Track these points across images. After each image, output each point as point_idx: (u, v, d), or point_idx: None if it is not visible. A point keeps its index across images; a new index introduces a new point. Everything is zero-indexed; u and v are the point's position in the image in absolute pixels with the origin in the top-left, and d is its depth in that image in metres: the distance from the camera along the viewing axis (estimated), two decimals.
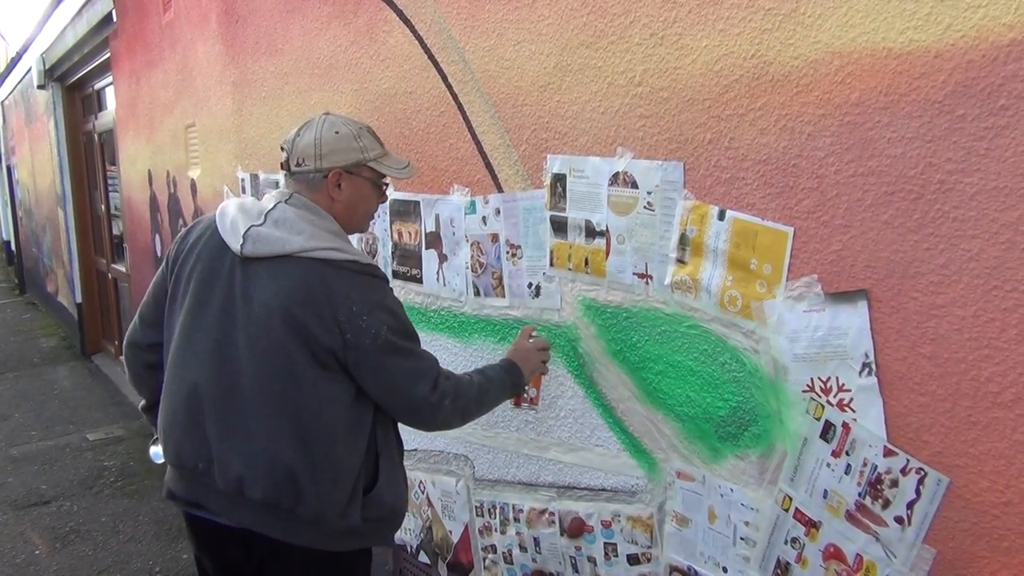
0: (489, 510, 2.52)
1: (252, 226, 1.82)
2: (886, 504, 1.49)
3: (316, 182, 1.90)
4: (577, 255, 2.06)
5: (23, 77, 10.75)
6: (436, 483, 2.74)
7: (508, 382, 2.08)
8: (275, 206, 1.87)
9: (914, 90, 1.36)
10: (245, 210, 1.87)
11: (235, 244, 1.82)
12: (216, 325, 1.84)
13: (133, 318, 2.10)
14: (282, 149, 1.96)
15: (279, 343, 1.78)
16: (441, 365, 1.96)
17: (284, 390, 1.79)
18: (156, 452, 2.21)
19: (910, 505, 1.45)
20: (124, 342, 2.13)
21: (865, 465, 1.51)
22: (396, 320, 1.85)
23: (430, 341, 2.66)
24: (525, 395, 2.23)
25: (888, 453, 1.48)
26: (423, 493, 2.81)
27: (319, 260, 1.81)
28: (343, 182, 1.90)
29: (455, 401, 1.92)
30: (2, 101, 14.81)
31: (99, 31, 6.48)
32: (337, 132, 1.90)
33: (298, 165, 1.90)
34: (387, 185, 2.03)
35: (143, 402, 2.18)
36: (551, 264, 2.14)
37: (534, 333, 2.21)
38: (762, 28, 1.58)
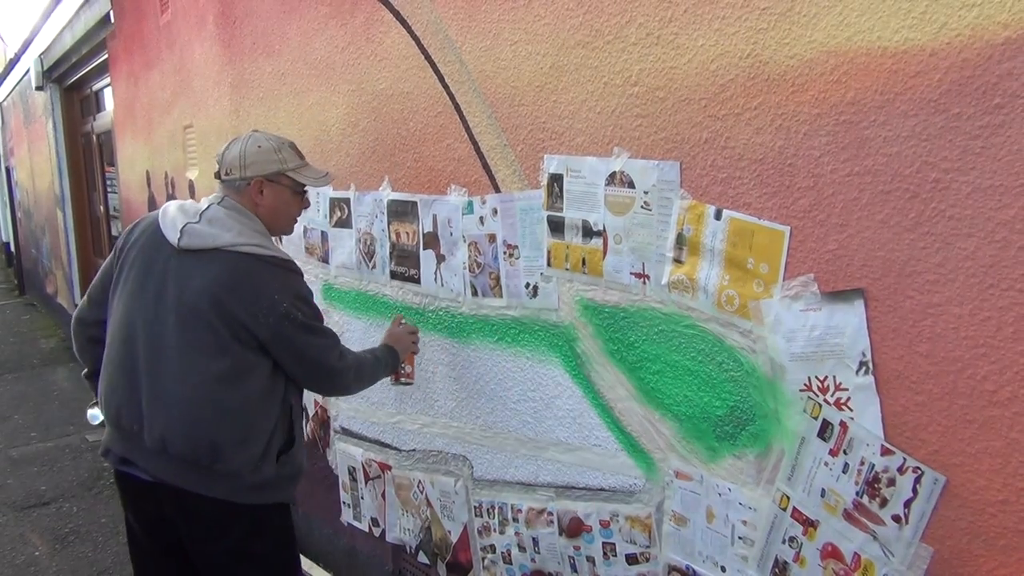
0: (488, 510, 2.52)
1: (188, 223, 2.15)
2: (883, 503, 1.49)
3: (241, 188, 2.23)
4: (574, 255, 2.06)
5: (21, 78, 10.74)
6: (435, 483, 2.74)
7: (389, 361, 2.48)
8: (208, 207, 2.20)
9: (909, 89, 1.36)
10: (184, 209, 2.21)
11: (173, 237, 2.15)
12: (151, 306, 2.15)
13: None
14: (216, 160, 2.28)
15: (206, 323, 2.09)
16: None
17: (208, 362, 2.09)
18: (94, 414, 2.70)
19: (907, 504, 1.45)
20: (72, 318, 2.46)
21: (863, 464, 1.52)
22: (309, 307, 2.22)
23: (428, 341, 2.66)
24: (402, 371, 2.58)
25: (885, 452, 1.48)
26: (422, 493, 2.81)
27: (245, 254, 2.14)
28: (265, 189, 2.24)
29: (357, 371, 2.32)
30: (1, 102, 14.80)
31: (97, 32, 6.48)
32: (259, 146, 2.24)
33: (227, 174, 2.24)
34: (306, 192, 2.36)
35: (85, 370, 2.53)
36: (548, 264, 2.14)
37: (403, 320, 2.63)
38: (757, 27, 1.58)
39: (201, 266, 2.12)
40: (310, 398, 3.49)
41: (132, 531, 2.38)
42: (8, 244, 17.37)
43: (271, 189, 2.25)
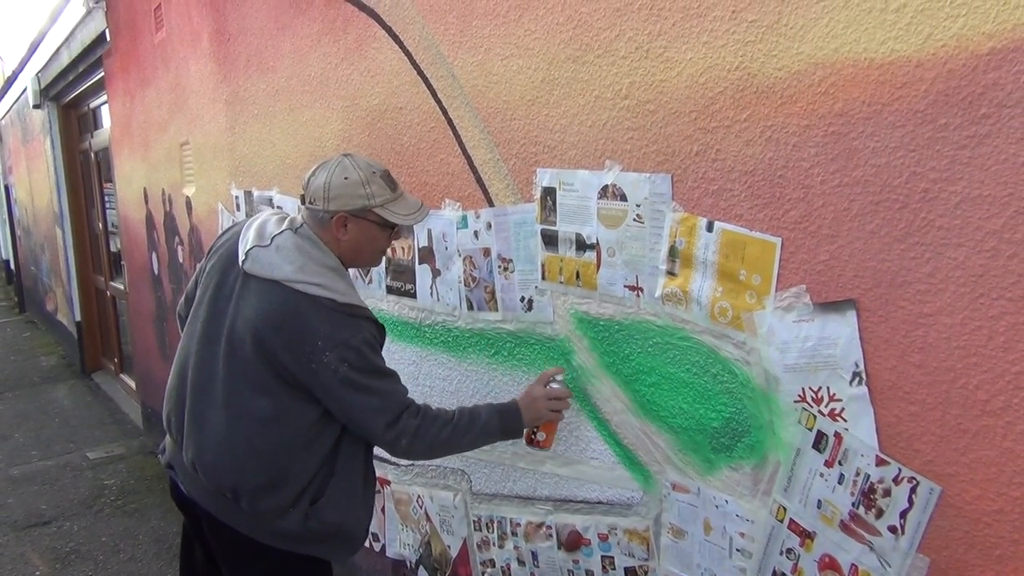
0: (487, 524, 2.52)
1: (256, 246, 2.01)
2: (879, 514, 1.49)
3: (324, 221, 2.04)
4: (568, 268, 2.06)
5: (19, 97, 10.77)
6: (434, 497, 2.73)
7: (498, 427, 2.10)
8: (282, 232, 2.04)
9: (896, 100, 1.37)
10: (262, 229, 2.06)
11: (240, 258, 2.03)
12: (211, 322, 2.06)
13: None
14: (302, 185, 2.11)
15: (249, 357, 1.97)
16: (421, 401, 2.09)
17: (249, 398, 1.97)
18: None
19: (903, 514, 1.45)
20: (176, 314, 2.38)
21: (858, 475, 1.51)
22: (360, 358, 1.96)
23: (424, 356, 2.66)
24: (534, 437, 2.18)
25: (880, 462, 1.48)
26: (421, 508, 2.80)
27: (301, 293, 1.95)
28: (349, 224, 2.04)
29: (415, 439, 2.01)
30: None
31: (93, 50, 6.50)
32: (347, 178, 2.02)
33: (311, 203, 2.05)
34: (395, 226, 2.11)
35: None
36: (543, 278, 2.15)
37: (558, 378, 2.14)
38: (745, 40, 1.58)
39: (257, 296, 1.99)
40: None
41: (185, 526, 2.34)
42: (8, 262, 17.39)
43: (356, 225, 2.05)
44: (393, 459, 2.79)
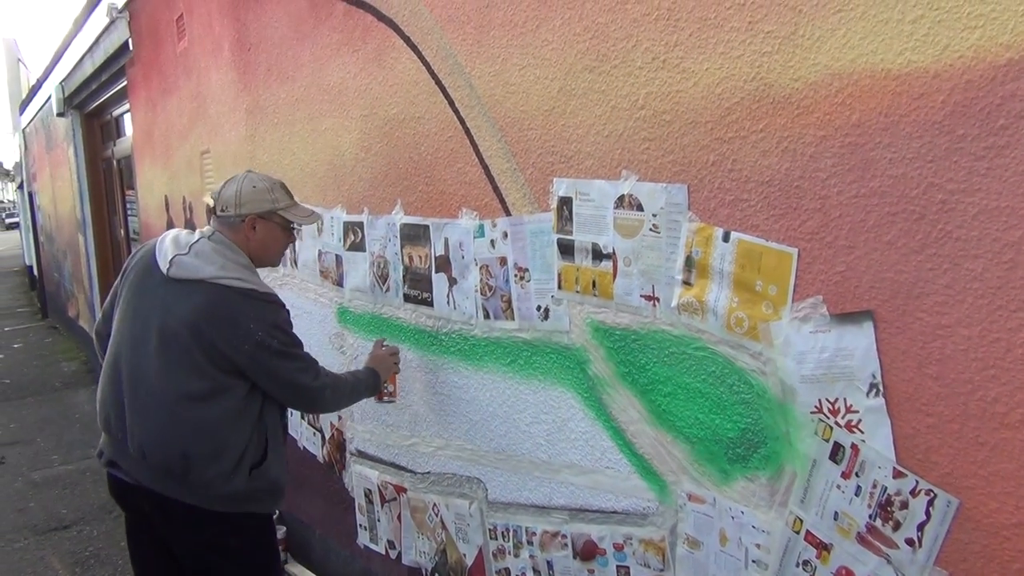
0: (503, 533, 2.52)
1: (178, 254, 2.35)
2: (897, 526, 1.48)
3: (235, 224, 2.44)
4: (584, 278, 2.06)
5: (43, 105, 10.91)
6: (449, 506, 2.74)
7: (371, 382, 2.68)
8: (198, 240, 2.40)
9: (914, 111, 1.36)
10: (177, 241, 2.41)
11: (163, 266, 2.35)
12: (139, 328, 2.37)
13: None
14: (211, 197, 2.46)
15: (186, 347, 2.28)
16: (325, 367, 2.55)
17: (184, 383, 2.29)
18: None
19: (920, 527, 1.44)
20: (93, 331, 2.71)
21: (875, 487, 1.50)
22: (284, 334, 2.39)
23: (441, 365, 2.67)
24: (385, 391, 2.83)
25: (897, 475, 1.47)
26: (436, 516, 2.81)
27: (225, 287, 2.32)
28: (258, 225, 2.45)
29: (333, 391, 2.50)
30: (23, 129, 15.03)
31: (116, 59, 6.58)
32: (254, 186, 2.44)
33: (222, 210, 2.44)
34: (296, 229, 2.58)
35: None
36: (559, 287, 2.15)
37: (385, 342, 2.84)
38: (762, 51, 1.58)
39: (185, 295, 2.32)
40: (326, 421, 3.51)
41: (127, 527, 2.62)
42: (31, 268, 17.58)
43: (263, 225, 2.46)
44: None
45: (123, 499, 2.52)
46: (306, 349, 2.50)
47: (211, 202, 2.48)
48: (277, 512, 2.92)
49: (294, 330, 2.47)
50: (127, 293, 2.45)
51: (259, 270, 2.50)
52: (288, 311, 2.47)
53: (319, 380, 2.44)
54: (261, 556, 2.57)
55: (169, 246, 2.39)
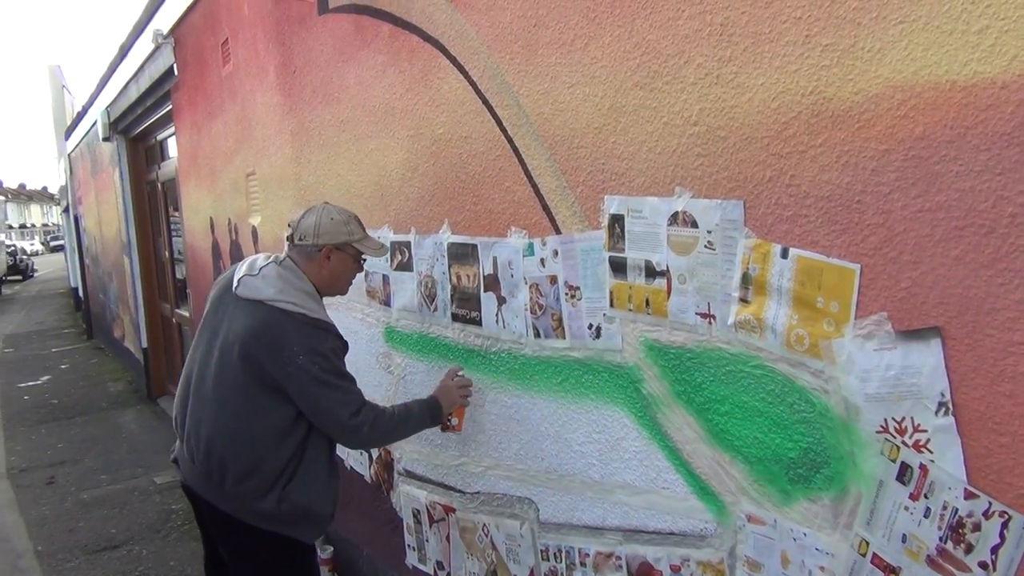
0: (555, 554, 2.50)
1: (246, 275, 2.52)
2: (969, 549, 1.43)
3: (312, 253, 2.57)
4: (638, 296, 2.04)
5: (89, 130, 11.14)
6: (500, 526, 2.72)
7: (427, 415, 2.65)
8: (268, 264, 2.55)
9: (981, 123, 1.33)
10: (252, 263, 2.58)
11: (234, 283, 2.53)
12: (209, 338, 2.56)
13: None
14: (289, 226, 2.61)
15: (235, 363, 2.42)
16: (379, 403, 2.61)
17: (230, 398, 2.43)
18: None
19: (994, 550, 1.40)
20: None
21: (945, 508, 1.47)
22: (327, 362, 2.43)
23: (490, 384, 2.66)
24: (448, 423, 2.73)
25: (969, 496, 1.43)
26: (487, 536, 2.79)
27: (279, 310, 2.43)
28: (332, 255, 2.58)
29: (372, 427, 2.48)
30: (69, 153, 15.34)
31: (161, 84, 6.70)
32: (332, 218, 2.57)
33: (300, 239, 2.57)
34: (365, 260, 2.72)
35: None
36: (611, 305, 2.13)
37: (460, 373, 2.74)
38: (820, 64, 1.56)
39: (245, 313, 2.46)
40: None
41: (196, 518, 2.79)
42: (76, 289, 17.91)
43: (337, 256, 2.59)
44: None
45: (188, 496, 2.69)
46: (353, 372, 2.54)
47: (288, 231, 2.63)
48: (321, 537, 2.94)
49: (343, 361, 2.52)
50: (208, 306, 2.64)
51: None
52: (342, 340, 2.54)
53: (357, 417, 2.45)
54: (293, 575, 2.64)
55: (244, 267, 2.57)
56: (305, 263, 2.56)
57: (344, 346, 2.55)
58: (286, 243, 2.62)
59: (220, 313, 2.55)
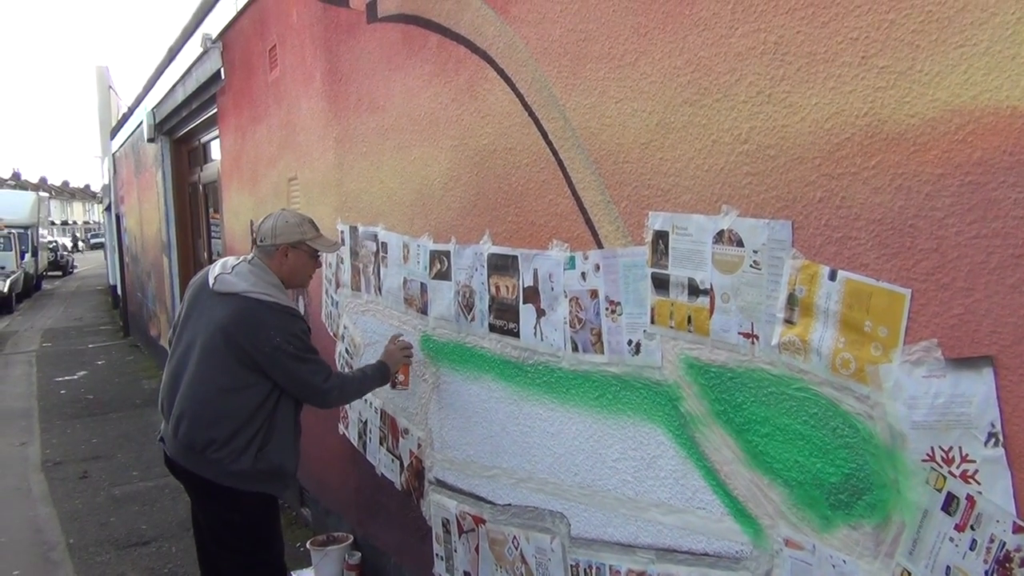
0: (585, 570, 2.48)
1: (221, 273, 3.00)
2: None
3: (271, 252, 3.07)
4: (679, 313, 2.03)
5: (134, 131, 11.31)
6: (530, 539, 2.71)
7: (378, 375, 3.20)
8: (239, 263, 3.05)
9: None
10: (224, 264, 3.07)
11: (211, 282, 2.99)
12: (191, 330, 3.02)
13: None
14: (251, 231, 3.00)
15: (219, 347, 2.89)
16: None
17: (215, 376, 2.89)
18: None
19: None
20: (168, 341, 3.30)
21: (992, 541, 1.43)
22: (299, 340, 2.96)
23: (525, 396, 2.65)
24: (395, 380, 3.26)
25: (1018, 530, 1.40)
26: (516, 549, 2.78)
27: (253, 299, 2.93)
28: (289, 253, 3.07)
29: (341, 390, 3.08)
30: (113, 153, 15.59)
31: (207, 88, 6.78)
32: (287, 221, 3.08)
33: (261, 241, 3.07)
34: (319, 256, 3.22)
35: None
36: (652, 321, 2.12)
37: (400, 338, 3.32)
38: (875, 86, 1.54)
39: (222, 305, 2.94)
40: (405, 448, 3.52)
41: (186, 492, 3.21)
42: (115, 287, 18.16)
43: (294, 253, 3.08)
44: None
45: (171, 470, 3.10)
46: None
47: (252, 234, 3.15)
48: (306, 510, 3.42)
49: (309, 338, 3.05)
50: (186, 304, 3.11)
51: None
52: (306, 323, 3.13)
53: (328, 382, 3.00)
54: (262, 531, 3.07)
55: (218, 268, 3.05)
56: (268, 260, 3.06)
57: (309, 328, 3.10)
58: (252, 245, 2.98)
59: (199, 309, 3.02)
